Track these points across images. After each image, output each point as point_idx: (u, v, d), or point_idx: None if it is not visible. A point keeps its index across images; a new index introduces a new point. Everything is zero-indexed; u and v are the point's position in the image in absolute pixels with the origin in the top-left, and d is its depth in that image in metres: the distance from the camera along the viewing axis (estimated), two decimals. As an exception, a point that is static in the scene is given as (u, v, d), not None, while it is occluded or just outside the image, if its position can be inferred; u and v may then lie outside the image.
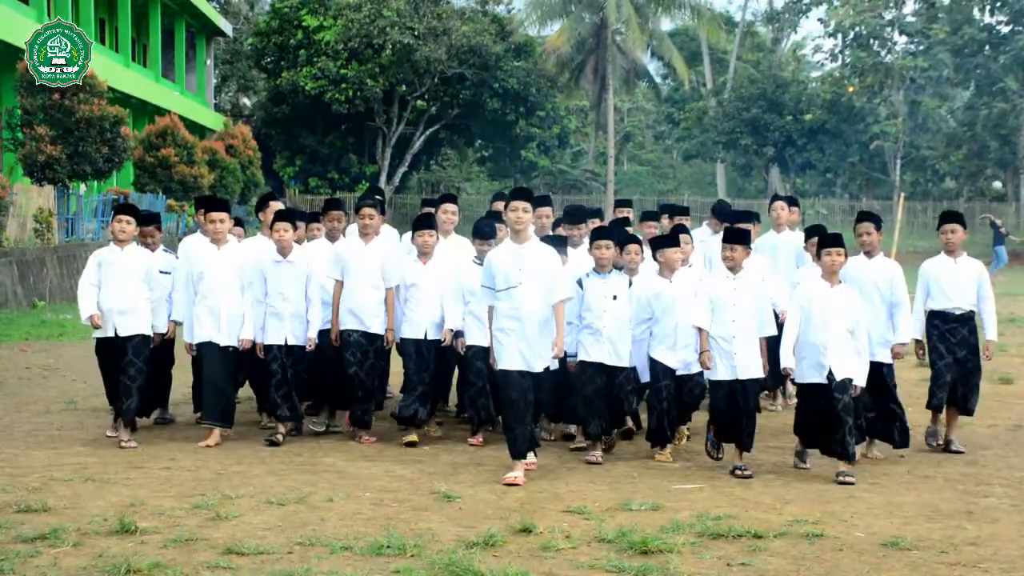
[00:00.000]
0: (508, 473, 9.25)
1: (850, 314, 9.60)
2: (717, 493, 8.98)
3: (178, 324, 11.40)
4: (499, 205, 11.82)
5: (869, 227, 10.43)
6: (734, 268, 9.82)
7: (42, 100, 26.22)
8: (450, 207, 11.80)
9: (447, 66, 47.17)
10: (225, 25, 52.71)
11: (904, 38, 60.99)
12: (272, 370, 10.84)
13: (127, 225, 10.88)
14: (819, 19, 63.73)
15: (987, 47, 58.43)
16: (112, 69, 34.42)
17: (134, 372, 10.67)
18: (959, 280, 10.73)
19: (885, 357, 10.33)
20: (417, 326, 10.90)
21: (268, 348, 10.84)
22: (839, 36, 62.19)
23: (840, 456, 9.44)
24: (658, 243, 10.54)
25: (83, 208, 30.23)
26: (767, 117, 58.67)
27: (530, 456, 9.53)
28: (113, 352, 10.83)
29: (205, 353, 10.85)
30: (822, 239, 9.98)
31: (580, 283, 10.24)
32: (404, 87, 48.17)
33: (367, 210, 10.90)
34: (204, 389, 11.00)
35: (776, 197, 13.69)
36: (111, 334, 10.76)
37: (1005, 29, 58.92)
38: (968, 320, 10.72)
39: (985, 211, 56.07)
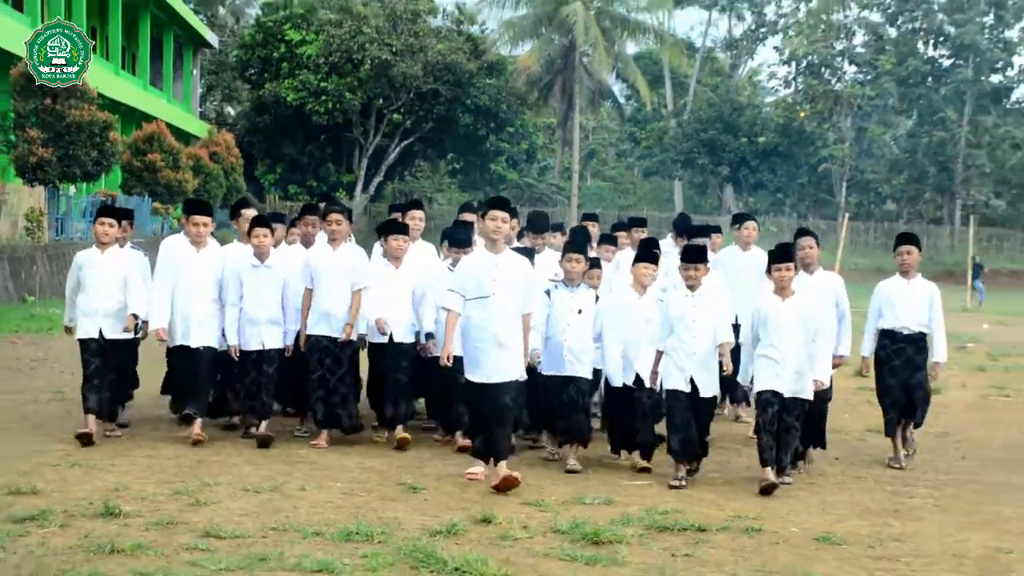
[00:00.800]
0: (470, 468, 9.17)
1: (806, 324, 9.14)
2: (665, 489, 9.09)
3: (138, 320, 10.38)
4: (466, 215, 11.53)
5: (811, 240, 10.09)
6: (694, 287, 9.35)
7: (35, 104, 25.99)
8: (417, 213, 11.28)
9: (422, 82, 47.16)
10: (212, 37, 52.45)
11: (853, 68, 61.60)
12: (246, 374, 10.42)
13: (110, 228, 10.37)
14: (775, 47, 64.47)
15: (929, 79, 59.10)
16: (102, 76, 34.19)
17: (117, 373, 10.42)
18: (911, 301, 10.33)
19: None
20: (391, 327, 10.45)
21: (245, 354, 10.41)
22: (793, 64, 62.78)
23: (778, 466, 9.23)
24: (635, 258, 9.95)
25: (72, 208, 30.10)
26: (723, 138, 58.98)
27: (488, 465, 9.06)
28: (97, 352, 10.28)
29: (176, 354, 10.49)
30: (770, 255, 9.39)
31: (548, 293, 9.92)
32: (381, 101, 48.09)
33: (334, 216, 10.43)
34: (177, 388, 10.81)
35: (747, 216, 12.91)
36: (95, 335, 10.26)
37: (947, 63, 59.65)
38: (916, 341, 10.32)
39: (922, 233, 56.52)
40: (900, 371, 10.30)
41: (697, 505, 8.59)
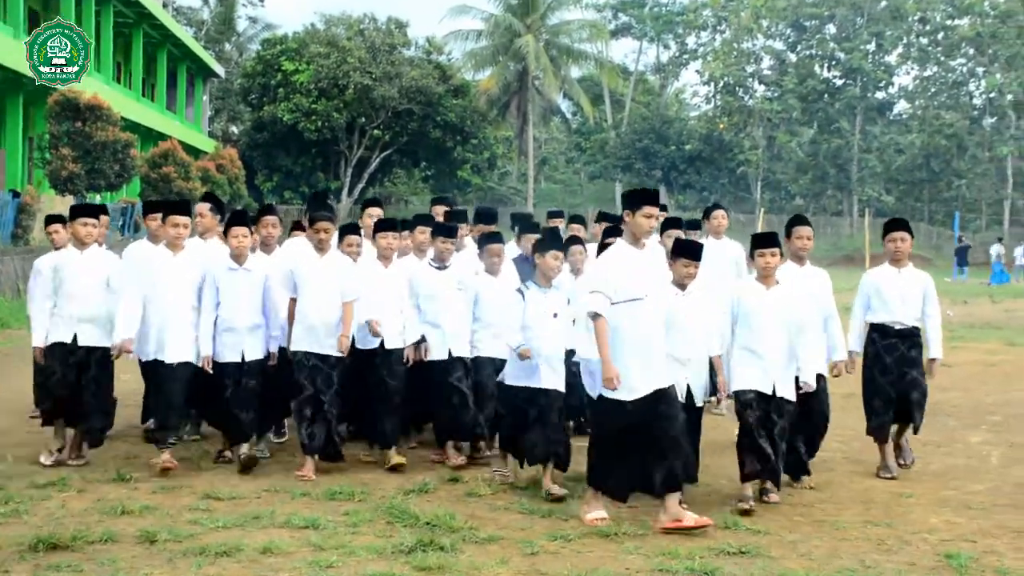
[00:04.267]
0: (591, 514, 6.65)
1: (790, 317, 7.12)
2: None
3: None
4: (437, 209, 9.88)
5: (809, 230, 7.88)
6: (684, 285, 7.21)
7: (66, 126, 25.81)
8: (375, 211, 9.22)
9: (398, 103, 46.86)
10: (219, 68, 52.05)
11: (762, 87, 61.78)
12: (226, 388, 7.98)
13: (93, 228, 8.13)
14: (696, 71, 64.56)
15: (826, 95, 59.53)
16: (125, 103, 33.82)
17: (97, 389, 8.04)
18: (904, 292, 8.02)
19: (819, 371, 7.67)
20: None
21: (224, 366, 7.99)
22: (712, 84, 62.89)
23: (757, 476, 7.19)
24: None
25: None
26: (655, 147, 59.00)
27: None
28: (69, 359, 7.98)
29: (155, 369, 8.03)
30: (754, 239, 7.37)
31: (521, 293, 7.54)
32: (363, 119, 47.71)
33: (323, 223, 7.94)
34: (155, 407, 8.18)
35: (716, 205, 10.66)
36: (68, 339, 7.96)
37: (839, 82, 60.13)
38: (909, 336, 8.02)
39: (827, 224, 56.90)
40: (893, 369, 8.02)
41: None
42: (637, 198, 6.67)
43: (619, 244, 6.71)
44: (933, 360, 8.05)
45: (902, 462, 8.22)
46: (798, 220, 7.97)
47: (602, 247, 7.55)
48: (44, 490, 7.13)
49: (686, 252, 7.22)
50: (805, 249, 7.83)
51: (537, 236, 9.06)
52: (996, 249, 39.78)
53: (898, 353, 8.01)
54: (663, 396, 6.51)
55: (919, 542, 6.33)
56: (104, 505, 6.74)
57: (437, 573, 5.50)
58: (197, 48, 46.99)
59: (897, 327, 8.01)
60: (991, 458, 8.88)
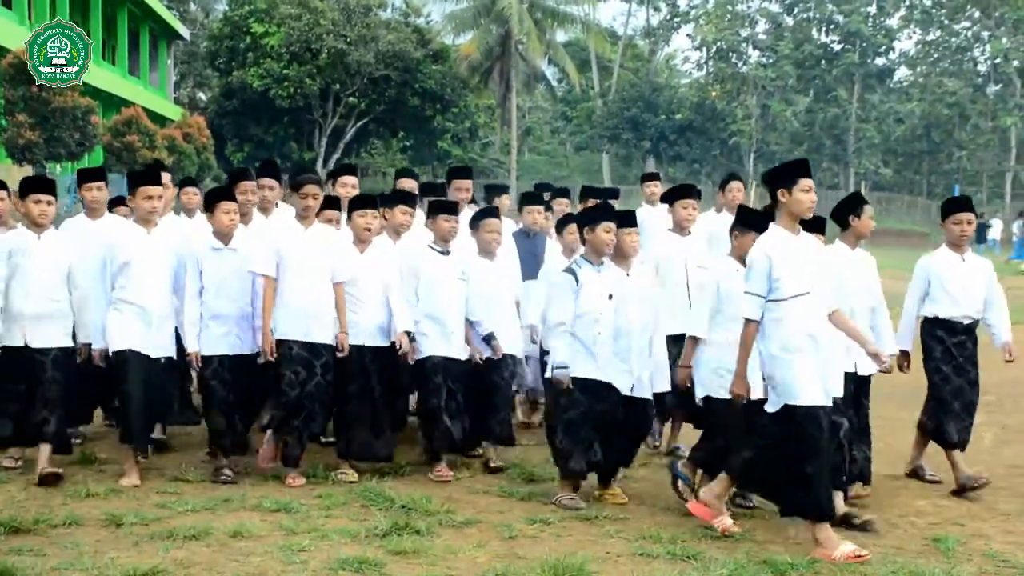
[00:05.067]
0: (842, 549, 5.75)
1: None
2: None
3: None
4: (404, 183, 9.06)
5: (872, 211, 7.17)
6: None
7: (22, 91, 25.72)
8: (349, 179, 8.50)
9: (375, 68, 46.70)
10: (184, 30, 51.74)
11: (757, 52, 61.98)
12: (212, 388, 7.27)
13: (47, 206, 7.20)
14: (688, 35, 64.69)
15: (823, 62, 59.74)
16: (84, 66, 33.62)
17: (57, 391, 7.09)
18: (969, 282, 7.48)
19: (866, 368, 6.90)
20: (357, 330, 7.32)
21: (208, 360, 7.26)
22: (704, 49, 63.06)
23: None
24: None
25: (58, 185, 29.55)
26: (644, 116, 59.07)
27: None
28: (20, 365, 7.08)
29: (129, 363, 6.99)
30: (739, 215, 6.85)
31: (574, 274, 6.76)
32: (338, 86, 47.55)
33: (310, 187, 7.20)
34: (129, 409, 7.05)
35: (734, 176, 9.71)
36: (19, 343, 7.06)
37: (837, 47, 60.33)
38: (973, 331, 7.53)
39: (822, 199, 57.05)
40: (964, 370, 7.46)
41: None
42: (792, 171, 6.00)
43: (775, 231, 6.00)
44: (1007, 343, 7.47)
45: (934, 474, 7.68)
46: (863, 199, 7.22)
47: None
48: (5, 472, 7.20)
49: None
50: (870, 232, 7.14)
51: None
52: (1017, 225, 40.50)
53: (967, 353, 7.47)
54: (831, 411, 5.89)
55: (906, 526, 6.49)
56: (68, 488, 6.81)
57: (412, 557, 5.61)
58: (160, 7, 46.66)
59: (965, 322, 7.48)
60: (983, 439, 9.05)
